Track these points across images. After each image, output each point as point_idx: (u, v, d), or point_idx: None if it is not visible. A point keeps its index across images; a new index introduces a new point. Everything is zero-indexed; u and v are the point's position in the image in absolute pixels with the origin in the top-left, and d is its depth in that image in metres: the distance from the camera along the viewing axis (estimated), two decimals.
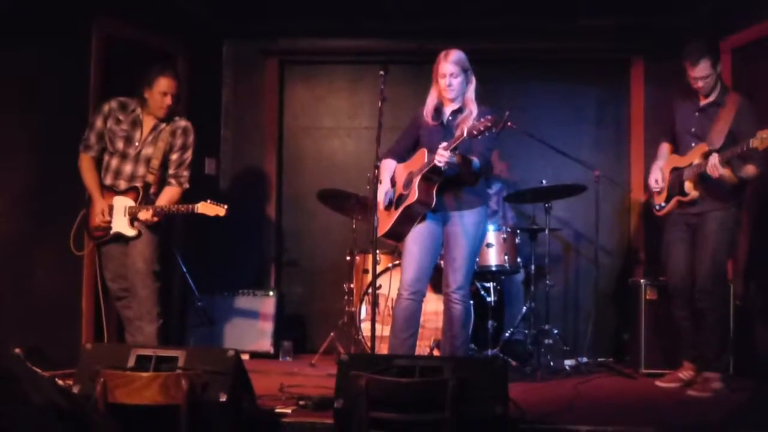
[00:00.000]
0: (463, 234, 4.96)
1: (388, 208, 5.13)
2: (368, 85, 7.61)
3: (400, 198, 5.05)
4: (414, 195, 4.86)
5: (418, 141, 5.19)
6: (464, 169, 4.83)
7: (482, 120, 4.53)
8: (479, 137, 4.58)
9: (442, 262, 5.19)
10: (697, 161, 5.27)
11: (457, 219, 4.98)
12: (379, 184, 5.07)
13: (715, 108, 5.32)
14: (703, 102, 5.42)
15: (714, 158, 5.04)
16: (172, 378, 3.77)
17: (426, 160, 4.87)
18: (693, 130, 5.42)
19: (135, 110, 5.51)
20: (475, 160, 4.84)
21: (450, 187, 4.95)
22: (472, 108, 4.97)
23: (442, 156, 4.63)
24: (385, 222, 5.11)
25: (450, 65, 4.94)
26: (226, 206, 5.34)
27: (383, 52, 7.39)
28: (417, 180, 4.87)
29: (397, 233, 5.11)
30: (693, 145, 5.39)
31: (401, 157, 5.25)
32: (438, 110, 5.10)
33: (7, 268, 5.44)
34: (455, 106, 5.05)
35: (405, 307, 4.97)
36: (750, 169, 5.15)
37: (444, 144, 4.68)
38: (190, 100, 5.90)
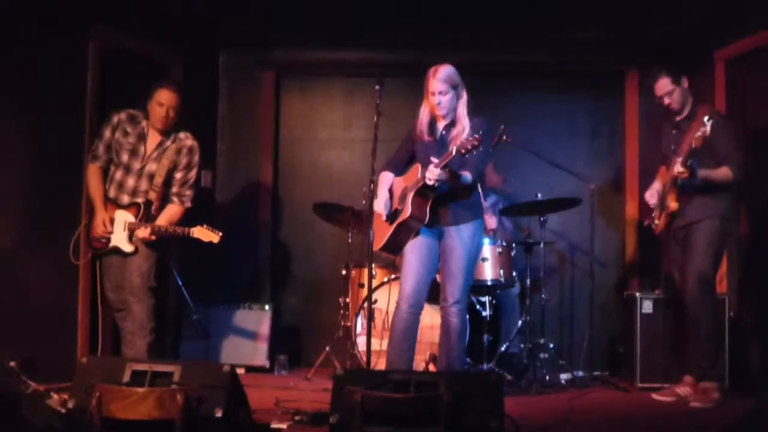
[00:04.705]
0: (459, 248, 4.98)
1: (388, 219, 5.15)
2: (364, 97, 7.61)
3: (396, 212, 5.07)
4: (407, 211, 4.89)
5: (414, 154, 5.22)
6: (455, 183, 4.85)
7: (470, 139, 4.57)
8: (467, 155, 4.61)
9: (437, 276, 5.20)
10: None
11: (453, 233, 5.00)
12: (375, 198, 5.09)
13: (687, 122, 5.48)
14: (677, 119, 5.59)
15: (676, 164, 5.25)
16: (168, 393, 3.76)
17: (419, 176, 4.90)
18: (672, 147, 5.56)
19: (141, 123, 5.55)
20: (466, 175, 4.86)
21: (445, 202, 4.97)
22: (465, 123, 4.97)
23: (433, 174, 4.66)
24: (381, 235, 5.13)
25: (438, 83, 4.94)
26: (221, 233, 5.43)
27: (379, 65, 7.41)
28: (410, 196, 4.90)
29: (393, 247, 5.14)
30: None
31: (399, 170, 5.28)
32: (432, 125, 5.12)
33: (2, 278, 5.42)
34: (447, 120, 5.07)
35: (404, 318, 4.99)
36: (723, 171, 5.32)
37: (435, 161, 4.72)
38: (186, 112, 5.89)
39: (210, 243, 5.43)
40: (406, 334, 5.00)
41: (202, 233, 5.40)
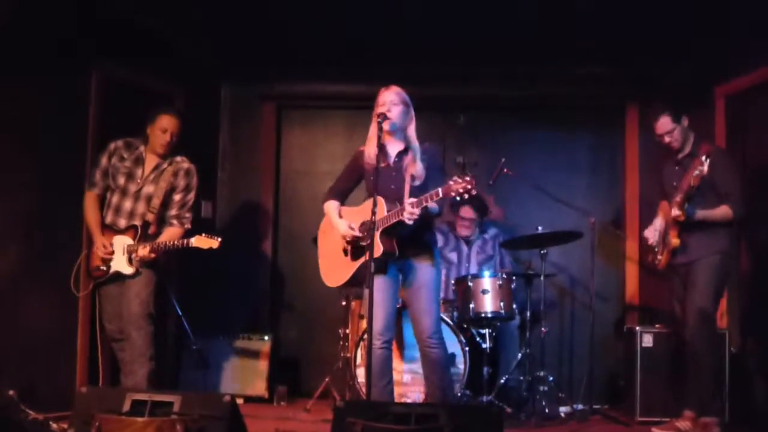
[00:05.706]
0: (425, 280, 4.97)
1: (348, 253, 5.08)
2: (365, 130, 7.45)
3: (357, 246, 5.01)
4: (379, 248, 4.75)
5: (359, 181, 5.23)
6: (426, 215, 4.82)
7: (460, 182, 4.40)
8: (458, 198, 4.48)
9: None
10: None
11: (416, 265, 4.97)
12: (332, 226, 5.14)
13: (690, 159, 5.48)
14: (679, 157, 5.62)
15: (674, 206, 5.32)
16: (168, 423, 3.75)
17: (386, 211, 4.79)
18: (675, 184, 5.57)
19: (139, 148, 5.60)
20: (434, 207, 4.83)
21: (408, 235, 4.88)
22: (415, 148, 4.94)
23: (412, 214, 4.60)
24: (342, 270, 5.11)
25: (390, 94, 4.96)
26: (219, 239, 5.39)
27: None
28: (379, 232, 4.77)
29: (356, 282, 5.11)
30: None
31: (343, 198, 5.28)
32: (382, 151, 5.03)
33: (2, 308, 5.42)
34: (399, 145, 5.03)
35: (379, 355, 4.91)
36: (722, 210, 5.37)
37: (412, 201, 4.62)
38: (187, 143, 5.93)
39: (210, 250, 5.36)
40: (384, 370, 4.94)
41: (201, 241, 5.35)
